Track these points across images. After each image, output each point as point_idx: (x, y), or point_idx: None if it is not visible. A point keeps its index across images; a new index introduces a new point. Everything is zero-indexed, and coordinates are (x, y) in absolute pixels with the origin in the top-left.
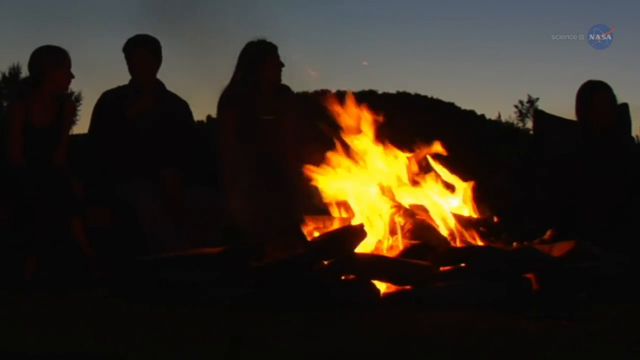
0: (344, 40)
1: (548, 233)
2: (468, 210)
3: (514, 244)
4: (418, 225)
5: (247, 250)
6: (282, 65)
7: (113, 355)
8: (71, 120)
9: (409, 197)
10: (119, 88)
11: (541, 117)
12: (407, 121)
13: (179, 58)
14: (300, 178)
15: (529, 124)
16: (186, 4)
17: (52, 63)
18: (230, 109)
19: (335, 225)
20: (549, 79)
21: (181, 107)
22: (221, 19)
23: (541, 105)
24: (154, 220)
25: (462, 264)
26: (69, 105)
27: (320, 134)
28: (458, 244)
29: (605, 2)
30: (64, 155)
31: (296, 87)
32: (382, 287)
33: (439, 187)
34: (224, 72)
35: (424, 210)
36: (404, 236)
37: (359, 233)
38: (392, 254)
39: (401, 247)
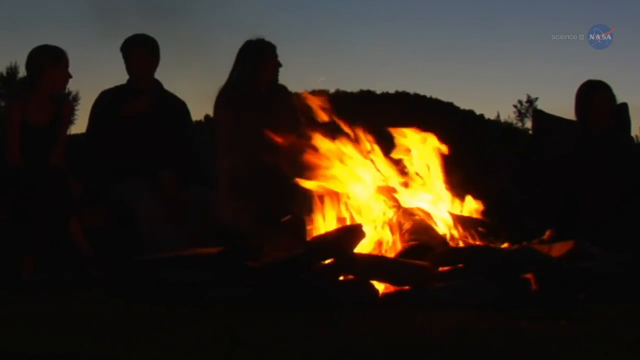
0: (344, 40)
1: (547, 233)
2: (467, 211)
3: (513, 244)
4: (417, 226)
5: (246, 251)
6: (279, 65)
7: (111, 356)
8: (69, 120)
9: (408, 197)
10: (117, 88)
11: (540, 116)
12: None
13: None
14: (298, 177)
15: (528, 124)
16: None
17: (49, 63)
18: (227, 109)
19: (334, 225)
20: (549, 78)
21: (179, 106)
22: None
23: (540, 105)
24: (152, 220)
25: (461, 265)
26: (67, 105)
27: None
28: (457, 244)
29: (605, 2)
30: (62, 155)
31: (294, 87)
32: (380, 287)
33: (438, 187)
34: (222, 71)
35: (423, 210)
36: (402, 236)
37: (357, 233)
38: (391, 254)
39: (400, 248)
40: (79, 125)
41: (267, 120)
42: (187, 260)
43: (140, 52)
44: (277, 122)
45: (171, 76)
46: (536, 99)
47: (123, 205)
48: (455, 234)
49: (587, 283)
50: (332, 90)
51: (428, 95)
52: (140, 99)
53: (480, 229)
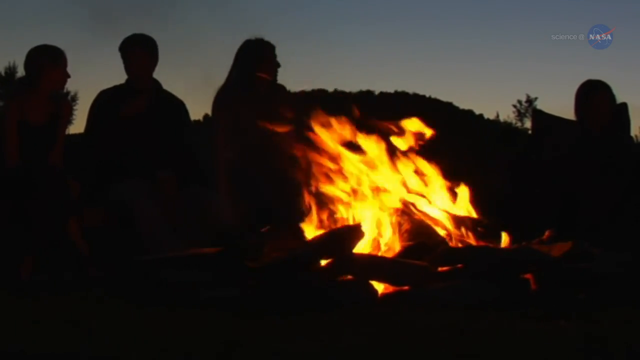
0: (343, 39)
1: (546, 233)
2: (466, 211)
3: (513, 244)
4: (416, 226)
5: (245, 251)
6: (278, 65)
7: (111, 356)
8: (67, 120)
9: (407, 198)
10: (116, 87)
11: (540, 116)
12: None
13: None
14: (296, 177)
15: (528, 124)
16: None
17: (48, 63)
18: (226, 108)
19: (333, 225)
20: (548, 78)
21: (178, 106)
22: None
23: (540, 105)
24: (151, 220)
25: (460, 265)
26: (65, 104)
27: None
28: (456, 244)
29: (605, 2)
30: (60, 155)
31: (293, 87)
32: (380, 287)
33: (437, 187)
34: (220, 71)
35: (422, 210)
36: (401, 236)
37: (356, 233)
38: (390, 254)
39: (399, 248)
40: (78, 125)
41: (265, 120)
42: (186, 261)
43: (139, 52)
44: (275, 121)
45: (170, 76)
46: (536, 98)
47: (122, 205)
48: (454, 234)
49: (586, 283)
50: (330, 90)
51: (427, 95)
52: (139, 99)
53: (479, 229)
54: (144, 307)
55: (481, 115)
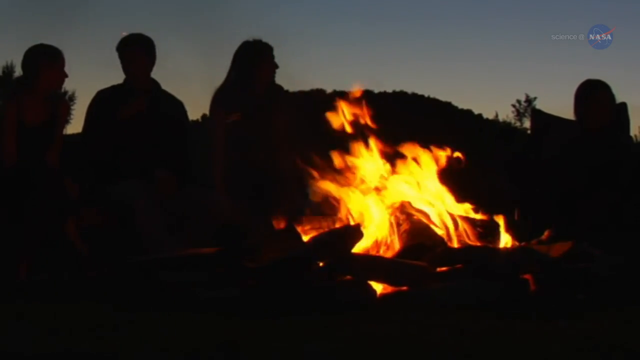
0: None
1: (546, 233)
2: (465, 211)
3: (512, 244)
4: (415, 226)
5: (243, 251)
6: (276, 66)
7: (109, 356)
8: (65, 119)
9: (405, 197)
10: (114, 87)
11: (539, 116)
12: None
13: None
14: (294, 178)
15: (527, 124)
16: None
17: (45, 62)
18: (224, 109)
19: (332, 225)
20: (547, 78)
21: (176, 106)
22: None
23: (539, 105)
24: (150, 220)
25: (459, 265)
26: (63, 104)
27: (315, 134)
28: (455, 244)
29: (605, 2)
30: (58, 155)
31: (291, 86)
32: (378, 287)
33: (436, 186)
34: (219, 71)
35: (421, 210)
36: (400, 237)
37: (355, 233)
38: (389, 254)
39: (397, 248)
40: (76, 124)
41: (263, 121)
42: (185, 261)
43: (137, 52)
44: (273, 122)
45: (169, 76)
46: (535, 98)
47: (120, 206)
48: (453, 234)
49: (586, 284)
50: (329, 90)
51: (426, 95)
52: (135, 102)
53: (478, 229)
54: (142, 308)
55: (480, 115)
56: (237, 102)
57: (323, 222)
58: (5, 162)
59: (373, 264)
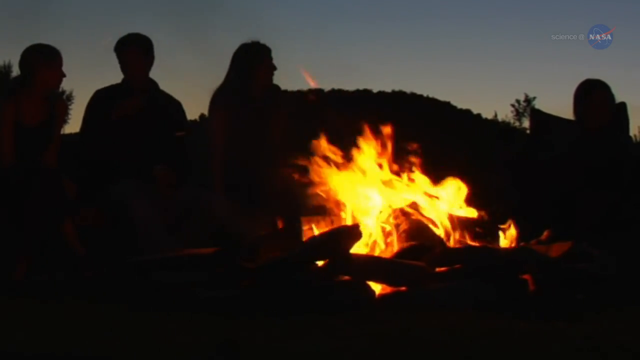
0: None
1: (545, 233)
2: (464, 211)
3: (511, 244)
4: (413, 226)
5: (241, 251)
6: (274, 68)
7: (107, 357)
8: (62, 119)
9: (404, 198)
10: (112, 87)
11: (538, 116)
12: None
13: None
14: (293, 178)
15: (526, 123)
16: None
17: (42, 62)
18: (222, 109)
19: (330, 225)
20: (547, 78)
21: (174, 106)
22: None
23: (538, 104)
24: (147, 220)
25: (458, 265)
26: (60, 104)
27: (313, 134)
28: (453, 244)
29: (605, 2)
30: (55, 155)
31: (290, 86)
32: (377, 288)
33: (435, 187)
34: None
35: (420, 210)
36: (399, 237)
37: (354, 234)
38: (387, 254)
39: (396, 248)
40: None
41: (261, 122)
42: (182, 261)
43: (134, 52)
44: (271, 123)
45: (167, 75)
46: (534, 98)
47: (118, 206)
48: (452, 234)
49: (585, 284)
50: (327, 89)
51: (425, 95)
52: (132, 100)
53: (477, 229)
54: (139, 308)
55: (479, 115)
56: (235, 103)
57: (322, 222)
58: (3, 162)
59: (372, 264)
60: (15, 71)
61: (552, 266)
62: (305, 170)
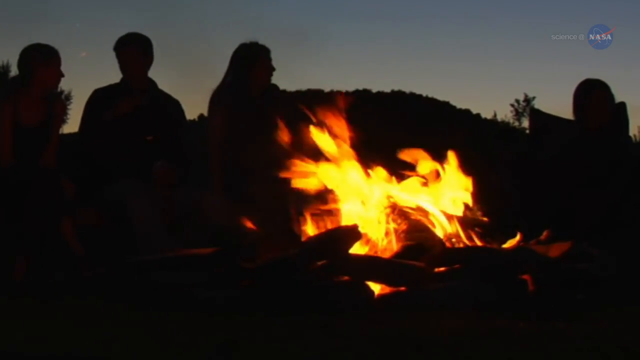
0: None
1: (544, 234)
2: (463, 211)
3: (510, 244)
4: (413, 226)
5: (239, 251)
6: (273, 69)
7: (105, 357)
8: (61, 119)
9: (403, 197)
10: (111, 86)
11: (538, 116)
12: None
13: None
14: (291, 178)
15: (526, 123)
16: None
17: (41, 62)
18: (220, 110)
19: (329, 225)
20: (546, 77)
21: (173, 106)
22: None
23: (538, 104)
24: (146, 220)
25: (458, 265)
26: (59, 104)
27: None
28: (453, 244)
29: (605, 2)
30: (54, 154)
31: (289, 86)
32: (376, 288)
33: (434, 186)
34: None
35: (419, 210)
36: (398, 237)
37: (353, 234)
38: (387, 255)
39: (396, 248)
40: (72, 124)
41: (259, 122)
42: (180, 261)
43: (133, 51)
44: (269, 123)
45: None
46: (533, 98)
47: (117, 205)
48: (452, 234)
49: (585, 284)
50: (327, 89)
51: (424, 95)
52: (132, 99)
53: (477, 229)
54: (138, 308)
55: (478, 115)
56: (234, 103)
57: (321, 223)
58: (2, 162)
59: (371, 265)
60: (14, 71)
61: (552, 266)
62: (304, 170)
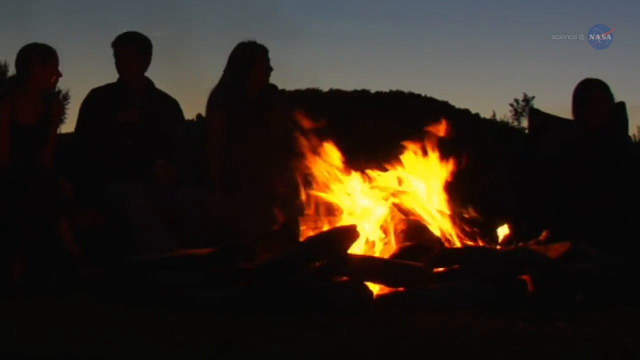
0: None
1: (543, 234)
2: (462, 211)
3: (509, 244)
4: (411, 226)
5: (238, 251)
6: (270, 69)
7: (104, 357)
8: (58, 119)
9: (402, 197)
10: (107, 86)
11: (537, 115)
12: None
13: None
14: (290, 177)
15: (525, 123)
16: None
17: (38, 61)
18: (218, 110)
19: (328, 225)
20: (545, 77)
21: (171, 106)
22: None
23: (537, 104)
24: (146, 220)
25: (457, 265)
26: (57, 104)
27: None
28: (452, 245)
29: (605, 2)
30: (51, 155)
31: (287, 86)
32: (375, 288)
33: (433, 186)
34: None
35: (418, 210)
36: (397, 237)
37: (351, 234)
38: (385, 255)
39: (394, 248)
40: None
41: (257, 122)
42: (181, 261)
43: (131, 50)
44: (267, 123)
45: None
46: (533, 97)
47: (116, 205)
48: (451, 234)
49: (584, 284)
50: (325, 89)
51: (423, 94)
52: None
53: (475, 229)
54: (136, 308)
55: (477, 115)
56: (232, 103)
57: (319, 223)
58: None
59: (369, 265)
60: (12, 70)
61: (551, 266)
62: (303, 170)
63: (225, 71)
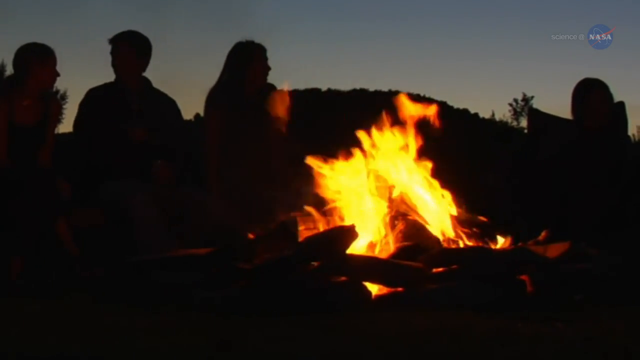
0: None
1: (542, 234)
2: (461, 211)
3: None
4: (410, 226)
5: (236, 251)
6: (268, 68)
7: (103, 357)
8: (57, 119)
9: (401, 197)
10: (105, 85)
11: (536, 115)
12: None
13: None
14: (289, 177)
15: (524, 123)
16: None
17: (36, 61)
18: (217, 109)
19: (326, 225)
20: (545, 77)
21: (169, 105)
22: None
23: (536, 104)
24: (146, 220)
25: (455, 266)
26: (55, 104)
27: (310, 133)
28: (451, 245)
29: (605, 2)
30: (49, 155)
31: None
32: (373, 289)
33: (432, 186)
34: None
35: (417, 210)
36: (395, 237)
37: (350, 234)
38: (384, 255)
39: (393, 249)
40: (67, 124)
41: (255, 121)
42: (178, 261)
43: (128, 50)
44: (265, 123)
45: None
46: (532, 97)
47: (115, 205)
48: (450, 234)
49: (583, 285)
50: (324, 88)
51: (422, 94)
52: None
53: (474, 229)
54: (136, 308)
55: (476, 115)
56: (230, 103)
57: (317, 223)
58: None
59: (368, 265)
60: (9, 70)
61: (551, 266)
62: (302, 170)
63: (224, 71)
